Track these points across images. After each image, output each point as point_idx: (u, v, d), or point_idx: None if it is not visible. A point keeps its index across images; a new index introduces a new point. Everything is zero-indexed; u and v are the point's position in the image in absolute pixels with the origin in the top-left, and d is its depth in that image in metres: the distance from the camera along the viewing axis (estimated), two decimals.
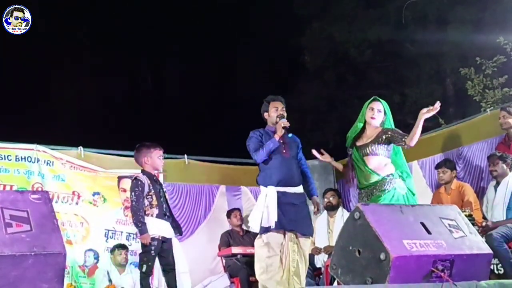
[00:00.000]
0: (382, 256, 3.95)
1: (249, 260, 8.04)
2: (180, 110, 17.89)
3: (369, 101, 6.02)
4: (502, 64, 11.17)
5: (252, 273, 7.88)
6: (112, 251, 7.92)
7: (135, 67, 19.27)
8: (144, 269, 5.79)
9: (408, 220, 4.29)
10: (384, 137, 5.81)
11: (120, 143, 8.88)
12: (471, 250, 4.30)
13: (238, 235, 8.57)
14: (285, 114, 6.21)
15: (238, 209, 8.85)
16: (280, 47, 17.49)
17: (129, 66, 18.74)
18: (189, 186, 9.24)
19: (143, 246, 5.85)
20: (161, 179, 8.27)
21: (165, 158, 8.83)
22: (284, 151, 6.04)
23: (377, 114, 5.95)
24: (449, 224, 4.40)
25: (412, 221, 4.29)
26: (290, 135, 6.17)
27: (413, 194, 5.90)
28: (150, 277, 5.95)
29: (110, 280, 7.72)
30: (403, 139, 5.73)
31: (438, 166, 7.44)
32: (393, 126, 6.00)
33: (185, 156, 9.34)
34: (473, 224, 5.29)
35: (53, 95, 16.62)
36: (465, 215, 5.00)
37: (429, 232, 4.25)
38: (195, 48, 19.01)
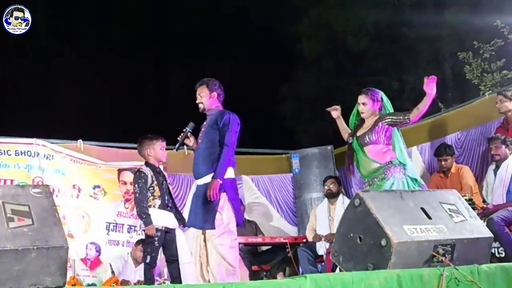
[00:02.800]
0: (383, 242, 3.97)
1: (251, 249, 8.08)
2: (179, 101, 17.89)
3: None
4: (499, 47, 11.17)
5: (254, 262, 7.92)
6: (136, 245, 7.89)
7: (136, 61, 19.25)
8: (148, 260, 5.82)
9: (408, 205, 4.30)
10: (381, 124, 5.90)
11: (120, 135, 8.89)
12: (471, 234, 4.31)
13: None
14: (198, 100, 6.12)
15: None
16: (278, 36, 17.47)
17: (130, 59, 18.71)
18: (190, 177, 9.22)
19: (147, 237, 5.88)
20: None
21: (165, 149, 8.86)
22: (199, 140, 6.02)
23: (362, 107, 6.09)
24: (449, 209, 4.41)
25: (412, 207, 4.30)
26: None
27: (416, 180, 5.92)
28: (154, 268, 5.97)
29: (113, 272, 7.73)
30: (405, 117, 5.85)
31: (438, 154, 7.39)
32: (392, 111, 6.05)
33: (185, 146, 9.33)
34: (473, 208, 5.31)
35: (52, 88, 16.62)
36: (465, 199, 5.01)
37: (429, 217, 4.25)
38: (193, 40, 18.99)
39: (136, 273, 7.66)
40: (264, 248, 8.45)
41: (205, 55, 18.83)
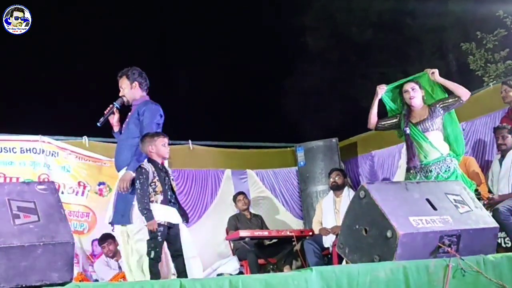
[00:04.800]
0: (389, 234, 3.97)
1: (257, 242, 8.09)
2: (183, 95, 17.91)
3: (393, 86, 6.11)
4: (503, 37, 11.14)
5: (261, 256, 7.93)
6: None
7: (139, 56, 19.26)
8: (152, 256, 5.81)
9: (413, 197, 4.30)
10: (437, 109, 5.82)
11: None
12: (477, 224, 4.31)
13: (246, 218, 8.60)
14: (121, 93, 5.75)
15: (243, 193, 8.84)
16: (282, 28, 17.46)
17: (133, 54, 18.72)
18: (195, 172, 9.26)
19: (150, 232, 5.88)
20: (165, 165, 8.30)
21: (169, 144, 8.86)
22: (122, 131, 5.74)
23: (412, 93, 5.95)
24: (454, 200, 4.41)
25: (417, 198, 4.30)
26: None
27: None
28: (159, 263, 5.97)
29: (120, 268, 7.75)
30: (455, 98, 5.81)
31: None
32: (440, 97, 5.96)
33: (190, 141, 9.35)
34: (479, 199, 5.31)
35: (57, 85, 16.65)
36: (471, 190, 5.01)
37: (434, 208, 4.25)
38: (197, 33, 18.99)
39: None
40: (271, 241, 8.46)
41: (208, 49, 18.83)
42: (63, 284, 3.15)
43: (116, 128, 5.78)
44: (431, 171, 5.73)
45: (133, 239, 5.32)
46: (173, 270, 6.61)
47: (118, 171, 5.62)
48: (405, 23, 15.05)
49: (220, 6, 18.59)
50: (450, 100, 5.84)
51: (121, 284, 4.20)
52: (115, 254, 7.80)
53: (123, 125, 5.72)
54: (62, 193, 7.92)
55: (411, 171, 5.86)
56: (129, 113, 5.74)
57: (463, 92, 5.80)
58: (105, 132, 9.03)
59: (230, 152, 9.91)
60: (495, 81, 9.39)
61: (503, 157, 6.71)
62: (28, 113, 14.21)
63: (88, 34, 17.70)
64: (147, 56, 19.53)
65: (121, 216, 5.35)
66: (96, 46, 17.61)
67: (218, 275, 7.76)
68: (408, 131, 5.91)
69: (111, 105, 5.67)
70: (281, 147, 10.29)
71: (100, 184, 8.46)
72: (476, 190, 6.10)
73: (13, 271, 3.08)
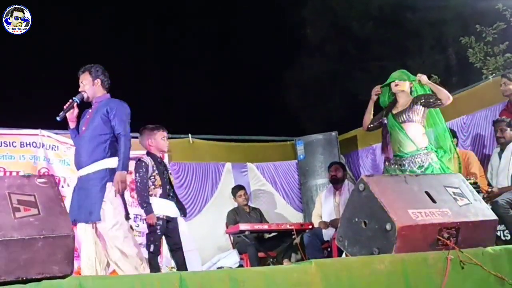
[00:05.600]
0: (388, 227, 3.98)
1: (257, 236, 8.11)
2: (182, 89, 17.90)
3: (384, 85, 6.11)
4: (502, 30, 11.13)
5: (261, 249, 7.95)
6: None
7: (139, 51, 19.25)
8: (151, 249, 5.85)
9: (412, 189, 4.30)
10: (419, 102, 5.81)
11: None
12: (476, 217, 4.31)
13: (245, 212, 8.61)
14: (81, 88, 5.58)
15: (243, 188, 8.81)
16: (281, 21, 17.44)
17: (134, 49, 18.72)
18: (195, 165, 9.26)
19: (149, 226, 5.91)
20: (166, 159, 8.31)
21: (169, 138, 8.86)
22: (83, 127, 5.49)
23: (398, 81, 5.96)
24: (453, 192, 4.41)
25: (416, 191, 4.30)
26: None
27: (448, 169, 5.77)
28: (159, 256, 6.00)
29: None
30: (437, 99, 5.78)
31: None
32: (426, 92, 5.95)
33: (189, 135, 9.36)
34: (478, 192, 5.31)
35: (56, 78, 16.63)
36: (470, 183, 5.01)
37: (434, 201, 4.26)
38: (196, 25, 18.97)
39: None
40: (271, 234, 8.48)
41: (207, 41, 18.81)
42: (63, 277, 3.16)
43: (72, 125, 5.57)
44: (404, 165, 5.72)
45: (108, 235, 5.15)
46: (172, 263, 6.63)
47: (79, 168, 5.39)
48: (405, 16, 15.03)
49: (218, 2, 18.59)
50: (431, 100, 5.81)
51: (121, 277, 4.22)
52: None
53: (84, 122, 5.51)
54: (62, 187, 7.93)
55: (386, 163, 5.90)
56: (90, 110, 5.56)
57: (444, 96, 5.76)
58: None
59: (230, 146, 9.91)
60: (494, 74, 9.38)
61: (502, 150, 6.73)
62: (28, 108, 14.21)
63: (88, 34, 17.69)
64: (146, 51, 19.58)
65: (89, 213, 5.14)
66: (96, 45, 17.59)
67: (218, 268, 7.78)
68: (385, 121, 5.95)
69: (70, 100, 5.50)
70: (281, 140, 10.30)
71: None
72: (475, 183, 6.12)
73: (13, 264, 3.10)
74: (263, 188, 9.71)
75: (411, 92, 5.98)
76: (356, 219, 4.26)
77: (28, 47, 14.69)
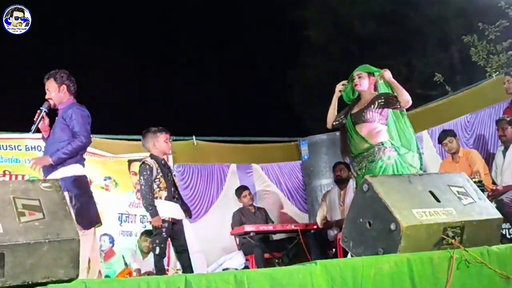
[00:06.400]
0: (393, 227, 3.97)
1: (263, 237, 8.11)
2: (186, 91, 17.91)
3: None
4: (505, 28, 11.12)
5: (266, 250, 7.95)
6: (140, 235, 7.96)
7: (142, 52, 19.26)
8: (157, 252, 5.85)
9: (416, 189, 4.30)
10: (377, 102, 5.67)
11: (129, 127, 8.92)
12: (480, 215, 4.31)
13: (250, 212, 8.59)
14: (47, 96, 5.49)
15: (247, 188, 8.80)
16: (283, 22, 17.44)
17: (136, 51, 18.74)
18: (200, 167, 9.28)
19: (154, 229, 5.91)
20: (170, 161, 8.33)
21: (173, 140, 8.89)
22: (50, 135, 5.47)
23: (357, 80, 5.87)
24: (457, 191, 4.41)
25: (420, 190, 4.30)
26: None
27: (411, 166, 5.61)
28: (164, 259, 6.01)
29: (126, 264, 7.79)
30: (397, 101, 5.64)
31: (440, 141, 7.35)
32: (389, 91, 5.82)
33: (193, 137, 9.37)
34: (482, 190, 5.31)
35: None
36: (474, 182, 5.01)
37: (438, 200, 4.26)
38: (200, 27, 18.99)
39: (143, 264, 7.71)
40: (276, 235, 8.48)
41: (211, 44, 18.82)
42: (69, 281, 3.17)
43: (46, 134, 5.52)
44: (361, 162, 5.64)
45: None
46: (178, 265, 6.64)
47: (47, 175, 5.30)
48: (408, 14, 15.01)
49: (222, 3, 18.59)
50: (391, 100, 5.68)
51: (126, 280, 4.23)
52: None
53: (51, 130, 5.47)
54: None
55: (354, 160, 5.80)
56: (56, 117, 5.49)
57: (404, 100, 5.62)
58: (109, 128, 9.12)
59: (235, 147, 9.93)
60: (497, 72, 9.37)
61: (506, 148, 6.73)
62: (31, 112, 14.21)
63: (89, 34, 17.72)
64: (149, 52, 19.58)
65: None
66: (97, 44, 17.62)
67: (223, 270, 7.78)
68: (344, 121, 5.89)
69: (38, 111, 5.42)
70: (285, 141, 10.31)
71: (106, 178, 8.50)
72: (479, 182, 6.11)
73: (19, 269, 3.11)
74: (268, 188, 9.72)
75: (375, 88, 5.88)
76: (361, 220, 4.25)
77: (28, 48, 14.71)
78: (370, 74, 5.91)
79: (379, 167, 5.48)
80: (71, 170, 5.28)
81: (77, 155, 5.34)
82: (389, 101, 5.69)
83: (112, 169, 8.53)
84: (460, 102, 8.45)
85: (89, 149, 8.36)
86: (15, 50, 13.74)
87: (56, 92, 5.47)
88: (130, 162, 8.59)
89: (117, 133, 9.04)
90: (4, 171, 7.76)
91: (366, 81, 5.86)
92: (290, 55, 17.60)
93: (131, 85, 18.38)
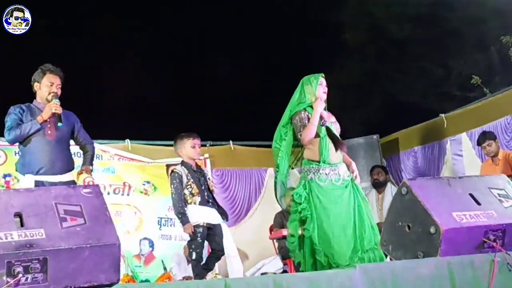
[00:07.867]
0: (432, 230, 3.94)
1: None
2: (224, 96, 17.95)
3: (314, 76, 5.96)
4: None
5: None
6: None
7: (178, 56, 19.31)
8: (194, 257, 5.86)
9: (456, 192, 4.26)
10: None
11: (167, 133, 8.99)
12: None
13: None
14: (59, 93, 5.43)
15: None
16: (319, 25, 17.41)
17: (172, 55, 18.78)
18: (238, 171, 9.33)
19: (189, 235, 5.93)
20: (208, 166, 8.37)
21: (211, 145, 8.94)
22: (49, 132, 5.29)
23: (326, 89, 5.89)
24: (498, 194, 4.36)
25: (460, 193, 4.26)
26: (60, 124, 5.27)
27: None
28: (201, 263, 6.03)
29: (165, 268, 7.84)
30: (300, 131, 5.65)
31: (480, 142, 7.30)
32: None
33: (231, 142, 9.42)
34: None
35: (97, 88, 16.81)
36: None
37: (478, 203, 4.21)
38: (234, 34, 19.00)
39: (187, 269, 7.75)
40: None
41: (245, 47, 18.81)
42: (110, 285, 3.22)
43: (53, 131, 5.41)
44: (338, 173, 5.71)
45: None
46: (216, 269, 6.65)
47: (55, 174, 5.33)
48: (444, 15, 14.85)
49: (257, 3, 18.56)
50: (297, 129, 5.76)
51: (167, 284, 4.27)
52: None
53: (48, 125, 5.33)
54: (108, 193, 8.05)
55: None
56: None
57: (303, 135, 5.71)
58: (147, 134, 9.20)
59: (271, 152, 9.92)
60: None
61: None
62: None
63: (98, 34, 17.78)
64: (174, 57, 19.62)
65: None
66: (101, 42, 17.62)
67: (262, 274, 7.79)
68: (326, 124, 5.87)
69: (59, 103, 5.34)
70: None
71: (145, 183, 8.57)
72: None
73: (61, 273, 3.16)
74: None
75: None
76: (400, 223, 4.23)
77: (28, 48, 14.87)
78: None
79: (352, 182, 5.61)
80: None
81: None
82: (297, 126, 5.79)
83: (150, 173, 8.61)
84: (500, 104, 8.32)
85: (127, 154, 8.54)
86: (15, 50, 13.88)
87: (59, 88, 5.49)
88: (168, 166, 8.63)
89: (154, 139, 9.12)
90: None
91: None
92: (325, 57, 17.55)
93: (167, 92, 18.46)
